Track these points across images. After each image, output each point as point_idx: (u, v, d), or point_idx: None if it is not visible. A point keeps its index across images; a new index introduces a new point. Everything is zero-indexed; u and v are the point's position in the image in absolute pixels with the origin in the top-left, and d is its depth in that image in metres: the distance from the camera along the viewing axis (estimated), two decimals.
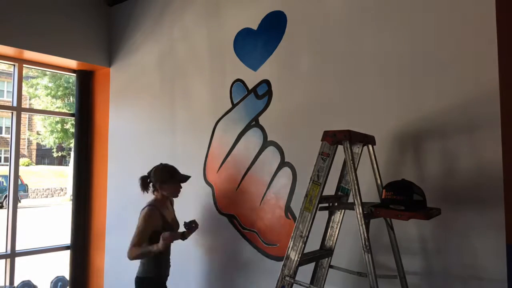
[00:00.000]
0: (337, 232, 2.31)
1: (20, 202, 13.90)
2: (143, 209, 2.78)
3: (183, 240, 2.89)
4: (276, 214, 2.91)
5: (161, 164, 2.93)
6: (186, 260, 3.35)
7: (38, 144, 23.95)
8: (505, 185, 2.03)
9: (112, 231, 4.20)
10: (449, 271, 2.18)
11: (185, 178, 2.92)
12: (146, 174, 2.92)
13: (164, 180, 2.83)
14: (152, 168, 2.91)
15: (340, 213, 2.30)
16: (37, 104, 17.06)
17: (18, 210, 4.03)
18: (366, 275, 1.82)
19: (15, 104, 4.05)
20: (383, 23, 2.49)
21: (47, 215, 14.45)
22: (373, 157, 2.20)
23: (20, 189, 14.33)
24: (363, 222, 1.84)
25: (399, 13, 2.43)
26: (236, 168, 3.18)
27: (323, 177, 1.98)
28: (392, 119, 2.41)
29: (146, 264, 2.80)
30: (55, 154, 23.67)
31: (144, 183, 2.87)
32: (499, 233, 2.03)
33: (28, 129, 22.80)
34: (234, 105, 3.24)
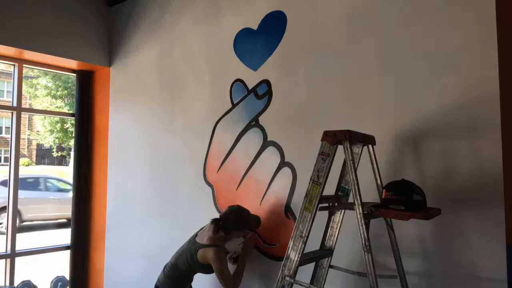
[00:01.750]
0: (337, 232, 2.31)
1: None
2: (209, 247, 2.73)
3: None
4: (276, 214, 2.91)
5: (236, 210, 2.81)
6: None
7: (38, 144, 23.95)
8: (505, 185, 2.03)
9: (112, 231, 4.20)
10: (449, 271, 2.18)
11: (259, 224, 2.91)
12: (218, 217, 2.83)
13: (241, 228, 2.81)
14: (228, 213, 2.79)
15: (340, 213, 2.30)
16: (37, 104, 17.05)
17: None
18: (366, 275, 1.82)
19: (15, 104, 4.05)
20: (383, 23, 2.48)
21: None
22: (373, 157, 2.20)
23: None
24: (363, 222, 1.84)
25: (399, 13, 2.42)
26: (236, 168, 3.18)
27: (323, 177, 1.98)
28: (392, 119, 2.41)
29: (177, 282, 2.89)
30: (55, 154, 23.67)
31: (217, 227, 2.79)
32: (499, 233, 2.03)
33: (28, 129, 22.80)
34: (234, 105, 3.24)
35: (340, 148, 1.99)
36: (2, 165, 21.02)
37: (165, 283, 2.88)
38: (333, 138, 1.97)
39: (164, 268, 2.96)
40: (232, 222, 2.75)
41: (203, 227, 2.92)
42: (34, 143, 24.02)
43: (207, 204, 3.33)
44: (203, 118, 3.43)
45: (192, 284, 2.99)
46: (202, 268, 2.81)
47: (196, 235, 2.89)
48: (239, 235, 2.88)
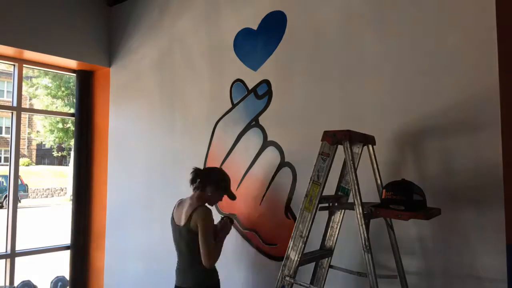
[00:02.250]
0: (337, 232, 2.31)
1: (20, 202, 13.89)
2: (196, 210, 2.55)
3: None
4: (276, 214, 2.91)
5: (220, 168, 2.80)
6: None
7: (38, 144, 23.94)
8: (505, 185, 2.03)
9: (112, 231, 4.20)
10: (449, 271, 2.18)
11: (233, 196, 2.75)
12: (201, 168, 2.75)
13: (218, 187, 2.68)
14: (211, 168, 2.82)
15: (340, 213, 2.30)
16: (37, 104, 17.06)
17: (18, 210, 4.03)
18: (366, 275, 1.82)
19: (15, 104, 4.05)
20: (383, 23, 2.48)
21: (47, 215, 14.45)
22: (373, 157, 2.20)
23: (20, 189, 14.32)
24: (363, 222, 1.84)
25: (399, 13, 2.42)
26: (236, 168, 3.18)
27: (323, 177, 1.98)
28: (392, 119, 2.41)
29: (204, 272, 2.57)
30: (55, 154, 23.66)
31: (196, 177, 2.68)
32: (499, 233, 2.03)
33: (28, 127, 22.78)
34: (234, 105, 3.24)
35: (340, 148, 1.99)
36: (2, 165, 21.03)
37: (187, 279, 2.61)
38: (333, 138, 1.97)
39: (177, 268, 2.71)
40: (212, 175, 2.68)
41: (172, 217, 2.74)
42: (34, 143, 24.01)
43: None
44: (203, 118, 3.43)
45: None
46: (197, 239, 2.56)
47: (175, 226, 2.68)
48: (214, 197, 2.69)
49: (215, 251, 2.56)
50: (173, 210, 2.76)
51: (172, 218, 2.73)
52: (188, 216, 2.57)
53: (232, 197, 2.76)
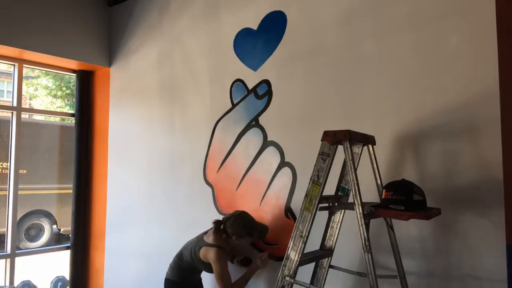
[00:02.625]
0: (337, 232, 2.31)
1: None
2: (211, 247, 2.73)
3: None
4: (276, 214, 2.91)
5: (238, 215, 2.78)
6: None
7: None
8: (505, 185, 2.03)
9: (112, 231, 4.20)
10: (449, 271, 2.18)
11: (262, 234, 2.83)
12: (220, 219, 2.82)
13: (241, 236, 2.73)
14: (231, 217, 2.77)
15: (340, 213, 2.30)
16: (37, 104, 17.04)
17: (18, 210, 4.03)
18: (366, 275, 1.82)
19: (15, 104, 4.05)
20: (382, 23, 2.48)
21: None
22: (373, 157, 2.20)
23: None
24: (363, 222, 1.84)
25: (399, 13, 2.43)
26: (236, 168, 3.18)
27: (323, 177, 1.98)
28: (392, 119, 2.41)
29: (184, 272, 2.92)
30: None
31: (218, 230, 2.77)
32: (499, 233, 2.03)
33: None
34: (234, 105, 3.24)
35: (340, 148, 1.99)
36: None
37: (173, 274, 2.92)
38: (333, 138, 1.97)
39: (171, 262, 2.99)
40: (230, 226, 2.73)
41: (207, 230, 2.90)
42: None
43: (207, 204, 3.33)
44: (203, 118, 3.43)
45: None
46: (203, 266, 2.83)
47: (205, 232, 2.88)
48: (242, 243, 2.78)
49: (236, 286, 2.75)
50: (211, 228, 2.85)
51: (206, 232, 2.88)
52: (208, 245, 2.76)
53: (261, 236, 2.86)
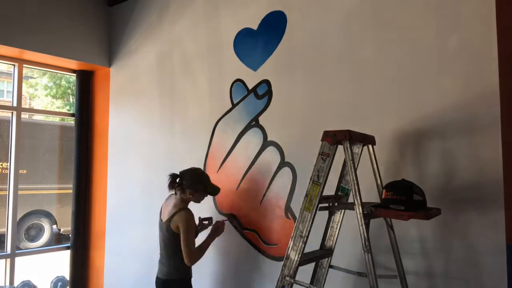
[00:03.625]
0: (337, 232, 2.31)
1: None
2: (177, 213, 2.75)
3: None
4: (276, 214, 2.91)
5: (195, 169, 2.88)
6: None
7: None
8: (505, 185, 2.03)
9: (112, 231, 4.20)
10: (449, 271, 2.18)
11: (216, 191, 2.90)
12: (177, 173, 2.86)
13: (197, 189, 2.81)
14: (186, 171, 2.85)
15: (340, 213, 2.30)
16: (36, 104, 17.04)
17: (18, 210, 4.03)
18: (366, 275, 1.82)
19: (15, 104, 4.05)
20: (383, 23, 2.48)
21: None
22: (373, 157, 2.20)
23: None
24: (363, 222, 1.84)
25: (399, 13, 2.43)
26: (236, 168, 3.18)
27: (323, 177, 1.98)
28: (392, 119, 2.41)
29: (176, 267, 2.82)
30: None
31: (173, 182, 2.83)
32: (499, 233, 2.03)
33: None
34: (234, 105, 3.24)
35: (340, 148, 1.99)
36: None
37: (169, 272, 2.82)
38: (333, 138, 1.97)
39: (160, 260, 2.93)
40: (187, 179, 2.79)
41: (160, 210, 2.95)
42: None
43: (207, 204, 3.33)
44: (203, 118, 3.43)
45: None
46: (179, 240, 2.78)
47: (160, 220, 2.89)
48: (195, 198, 2.85)
49: (196, 253, 2.76)
50: (162, 204, 2.96)
51: (160, 212, 2.93)
52: (171, 215, 2.77)
53: (214, 192, 2.90)
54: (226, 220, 3.07)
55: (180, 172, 2.87)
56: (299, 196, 2.76)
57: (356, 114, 2.55)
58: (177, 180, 2.84)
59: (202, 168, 3.39)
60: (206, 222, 3.07)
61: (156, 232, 3.55)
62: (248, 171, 3.11)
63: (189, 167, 2.90)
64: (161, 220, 2.88)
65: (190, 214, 2.78)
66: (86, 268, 4.41)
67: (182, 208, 2.78)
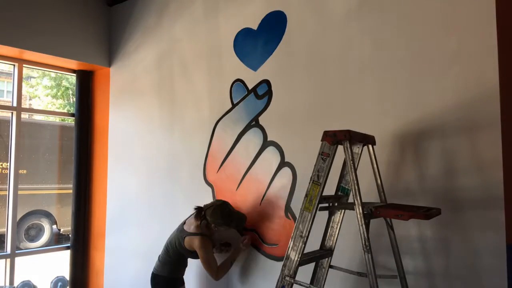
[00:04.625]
0: (337, 232, 2.31)
1: None
2: (196, 235, 2.85)
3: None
4: (276, 214, 2.91)
5: (218, 205, 2.88)
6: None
7: None
8: (505, 185, 2.03)
9: (112, 231, 4.20)
10: (449, 271, 2.18)
11: (240, 224, 2.93)
12: (201, 206, 2.94)
13: (219, 225, 2.87)
14: (209, 206, 2.90)
15: (340, 213, 2.30)
16: (36, 104, 17.02)
17: (18, 210, 4.03)
18: (366, 275, 1.82)
19: (15, 104, 4.05)
20: (383, 23, 2.48)
21: None
22: (373, 157, 2.20)
23: None
24: (363, 222, 1.84)
25: (399, 13, 2.42)
26: (236, 168, 3.18)
27: (323, 177, 1.98)
28: (392, 119, 2.41)
29: (168, 268, 2.99)
30: None
31: (198, 215, 2.91)
32: (499, 233, 2.03)
33: None
34: (234, 105, 3.24)
35: (340, 148, 1.99)
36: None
37: (162, 269, 2.99)
38: (333, 138, 1.97)
39: (159, 256, 3.08)
40: (210, 215, 2.85)
41: (191, 215, 3.01)
42: None
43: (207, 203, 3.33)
44: (203, 118, 3.43)
45: (185, 277, 3.08)
46: (190, 254, 2.94)
47: (184, 222, 3.00)
48: (221, 231, 2.94)
49: (222, 272, 2.87)
50: (190, 216, 3.02)
51: (184, 222, 3.00)
52: (190, 232, 2.87)
53: (238, 227, 2.96)
54: (245, 240, 2.97)
55: (204, 206, 2.93)
56: (299, 196, 2.76)
57: (356, 114, 2.55)
58: (202, 214, 2.90)
59: (202, 168, 3.39)
60: (225, 248, 3.11)
61: (155, 232, 3.56)
62: (248, 171, 3.11)
63: (213, 201, 3.00)
64: (182, 228, 2.95)
65: (208, 242, 2.87)
66: (86, 268, 4.41)
67: (202, 234, 2.86)
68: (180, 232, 2.94)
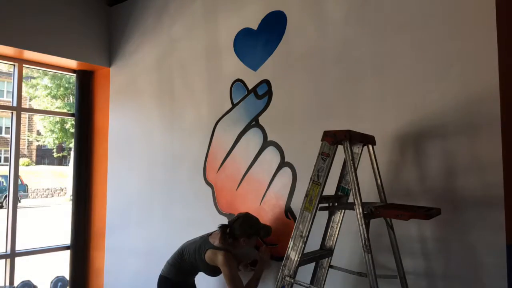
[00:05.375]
0: (337, 232, 2.31)
1: (20, 202, 13.90)
2: (220, 250, 2.70)
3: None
4: (276, 214, 2.91)
5: (245, 215, 2.77)
6: None
7: (38, 144, 23.93)
8: (505, 185, 2.03)
9: (112, 231, 4.20)
10: (449, 271, 2.18)
11: (267, 234, 2.84)
12: (226, 223, 2.80)
13: (249, 236, 2.73)
14: (236, 219, 2.76)
15: (340, 213, 2.30)
16: (36, 105, 17.05)
17: (18, 210, 4.03)
18: (366, 275, 1.82)
19: (15, 104, 4.05)
20: (383, 23, 2.48)
21: (47, 215, 14.44)
22: (373, 157, 2.20)
23: (20, 189, 14.34)
24: (363, 222, 1.84)
25: (400, 14, 2.42)
26: (236, 168, 3.18)
27: (323, 177, 1.98)
28: (392, 119, 2.41)
29: (175, 271, 2.89)
30: (55, 155, 23.65)
31: (224, 234, 2.75)
32: (499, 233, 2.03)
33: (28, 130, 22.78)
34: (234, 105, 3.24)
35: (340, 148, 1.99)
36: (2, 165, 21.03)
37: (169, 271, 2.89)
38: (333, 138, 1.97)
39: (169, 259, 2.95)
40: (238, 228, 2.71)
41: (211, 233, 2.88)
42: (34, 143, 24.01)
43: (207, 204, 3.33)
44: (203, 118, 3.43)
45: (197, 284, 3.00)
46: (206, 268, 2.80)
47: (210, 234, 2.85)
48: (250, 244, 2.77)
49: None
50: (216, 230, 2.84)
51: (210, 234, 2.85)
52: (215, 248, 2.72)
53: (266, 234, 2.84)
54: (263, 248, 2.89)
55: (229, 222, 2.80)
56: (299, 196, 2.76)
57: (356, 114, 2.55)
58: (228, 231, 2.75)
59: (202, 168, 3.40)
60: (254, 267, 2.92)
61: (156, 231, 3.55)
62: (248, 171, 3.11)
63: (237, 214, 2.84)
64: (207, 238, 2.81)
65: (232, 258, 2.71)
66: (86, 268, 4.41)
67: (227, 249, 2.71)
68: (204, 241, 2.80)
